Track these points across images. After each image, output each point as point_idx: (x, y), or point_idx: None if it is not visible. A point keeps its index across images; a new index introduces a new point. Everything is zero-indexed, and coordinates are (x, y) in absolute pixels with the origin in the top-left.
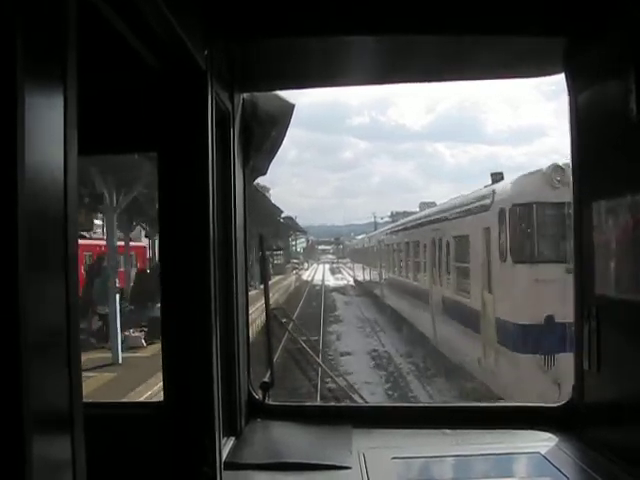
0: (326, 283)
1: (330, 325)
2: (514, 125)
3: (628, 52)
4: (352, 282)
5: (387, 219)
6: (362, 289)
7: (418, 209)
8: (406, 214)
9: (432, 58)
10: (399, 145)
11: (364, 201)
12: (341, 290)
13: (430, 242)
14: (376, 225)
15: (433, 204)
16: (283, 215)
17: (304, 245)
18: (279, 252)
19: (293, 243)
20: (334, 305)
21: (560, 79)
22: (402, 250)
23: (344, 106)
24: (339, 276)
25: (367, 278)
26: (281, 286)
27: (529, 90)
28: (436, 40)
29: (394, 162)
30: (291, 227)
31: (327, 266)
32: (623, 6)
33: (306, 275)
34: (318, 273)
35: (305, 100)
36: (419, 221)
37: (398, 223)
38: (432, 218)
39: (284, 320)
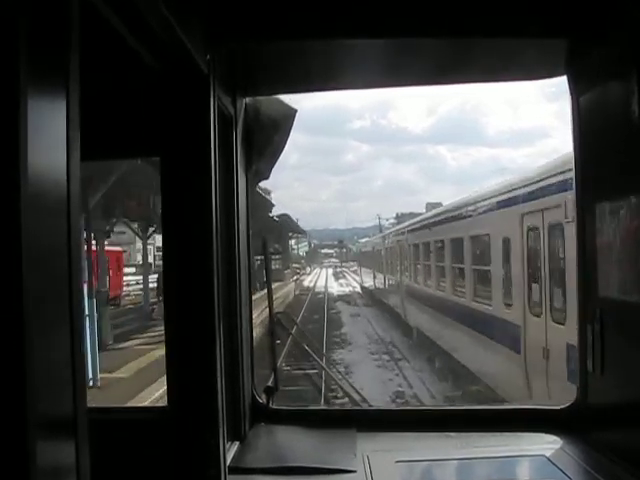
0: (329, 290)
1: (334, 350)
2: (515, 127)
3: (630, 54)
4: (359, 289)
5: (392, 220)
6: (371, 298)
7: (425, 210)
8: (413, 215)
9: (434, 61)
10: (401, 148)
11: (366, 204)
12: (346, 299)
13: (521, 236)
14: (381, 227)
15: (439, 204)
16: (277, 212)
17: (307, 249)
18: (277, 256)
19: (295, 247)
20: (339, 319)
21: (561, 81)
22: (441, 251)
23: (345, 110)
24: (343, 282)
25: (379, 285)
26: (278, 296)
27: (530, 91)
28: (438, 43)
29: (396, 165)
30: (290, 228)
31: (330, 270)
32: (625, 7)
33: (308, 280)
34: (321, 278)
35: (307, 104)
36: (481, 204)
37: (431, 213)
38: (525, 191)
39: (278, 341)
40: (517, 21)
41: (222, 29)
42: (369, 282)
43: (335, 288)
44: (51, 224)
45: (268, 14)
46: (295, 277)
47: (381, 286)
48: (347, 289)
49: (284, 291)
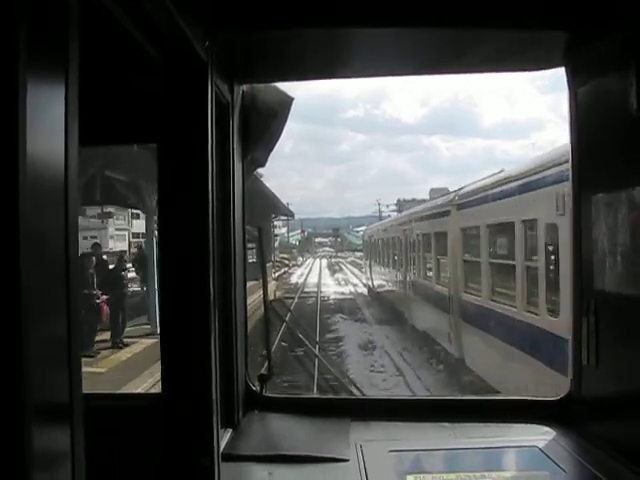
0: (324, 291)
1: None
2: (509, 118)
3: (629, 46)
4: (362, 289)
5: (393, 207)
6: (386, 308)
7: (428, 196)
8: (415, 201)
9: (431, 50)
10: (395, 138)
11: (361, 193)
12: (349, 308)
13: None
14: (381, 216)
15: (445, 189)
16: None
17: (299, 237)
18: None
19: (286, 235)
20: (343, 359)
21: (553, 73)
22: None
23: (339, 99)
24: (340, 277)
25: (407, 291)
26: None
27: (523, 84)
28: (436, 32)
29: (390, 155)
30: (271, 205)
31: (324, 261)
32: (624, 0)
33: (297, 275)
34: (313, 272)
35: (300, 93)
36: None
37: None
38: None
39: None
40: (516, 12)
41: (221, 16)
42: (379, 281)
43: (331, 287)
44: (49, 210)
45: (267, 1)
46: (283, 270)
47: (405, 291)
48: (346, 289)
49: (257, 296)
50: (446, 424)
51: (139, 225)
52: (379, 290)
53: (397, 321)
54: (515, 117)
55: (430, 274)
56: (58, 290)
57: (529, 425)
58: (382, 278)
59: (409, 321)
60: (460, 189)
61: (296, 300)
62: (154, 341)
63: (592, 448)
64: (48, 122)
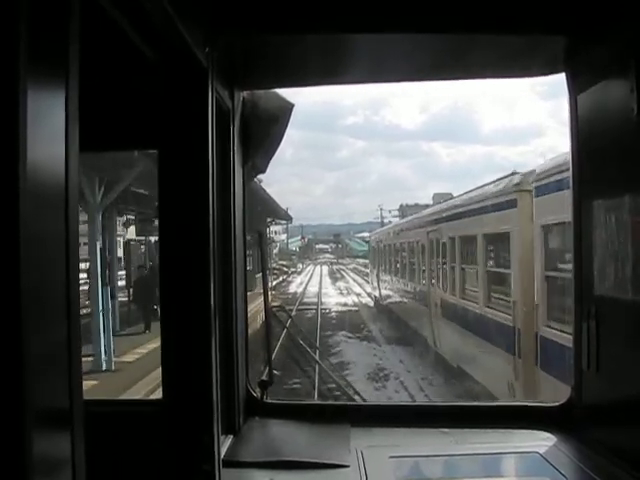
0: (324, 301)
1: None
2: (509, 125)
3: (629, 51)
4: (368, 300)
5: (395, 212)
6: (396, 325)
7: (432, 201)
8: (418, 207)
9: (432, 56)
10: (395, 144)
11: (361, 200)
12: (353, 323)
13: None
14: (382, 222)
15: (449, 194)
16: None
17: (298, 244)
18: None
19: (285, 241)
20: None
21: (554, 79)
22: None
23: (338, 106)
24: (342, 285)
25: (431, 310)
26: None
27: (523, 89)
28: (436, 38)
29: (390, 161)
30: (270, 210)
31: (325, 268)
32: (624, 4)
33: (296, 284)
34: (313, 280)
35: (300, 100)
36: None
37: None
38: None
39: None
40: (516, 18)
41: (221, 22)
42: (390, 294)
43: (332, 297)
44: (49, 215)
45: (267, 7)
46: (281, 279)
47: (472, 336)
48: (349, 299)
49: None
50: (446, 430)
51: (133, 232)
52: (388, 302)
53: (413, 343)
54: (515, 123)
55: (474, 292)
56: (58, 295)
57: (530, 431)
58: (392, 289)
59: (432, 348)
60: (530, 172)
61: (294, 313)
62: (94, 383)
63: (593, 454)
64: (48, 127)
